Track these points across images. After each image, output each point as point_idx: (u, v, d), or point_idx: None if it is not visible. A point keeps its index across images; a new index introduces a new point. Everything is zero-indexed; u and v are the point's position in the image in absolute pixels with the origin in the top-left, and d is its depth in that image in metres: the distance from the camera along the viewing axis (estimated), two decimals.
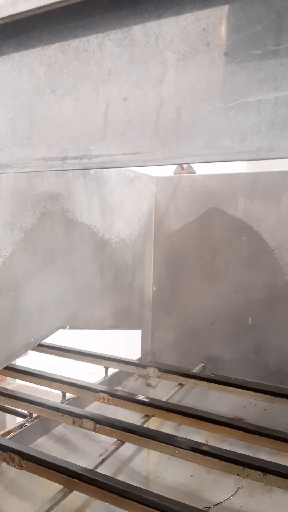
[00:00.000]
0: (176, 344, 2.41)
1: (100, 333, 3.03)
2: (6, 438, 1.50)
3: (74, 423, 1.50)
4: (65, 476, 1.18)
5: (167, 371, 1.97)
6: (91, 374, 2.52)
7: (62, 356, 2.15)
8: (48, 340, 2.23)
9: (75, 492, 1.25)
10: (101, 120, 0.52)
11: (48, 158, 0.58)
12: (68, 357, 2.14)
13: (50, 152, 0.58)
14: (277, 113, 0.41)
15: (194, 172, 2.31)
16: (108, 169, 1.94)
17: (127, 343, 2.90)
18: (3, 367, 1.45)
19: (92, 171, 1.81)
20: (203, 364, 2.28)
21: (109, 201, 1.97)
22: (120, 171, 2.03)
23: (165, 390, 2.05)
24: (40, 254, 1.57)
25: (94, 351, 2.15)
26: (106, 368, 2.12)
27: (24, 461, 1.25)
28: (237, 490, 1.46)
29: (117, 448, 1.43)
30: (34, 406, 1.59)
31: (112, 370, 2.16)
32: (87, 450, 1.62)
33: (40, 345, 2.15)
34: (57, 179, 1.62)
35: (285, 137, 0.42)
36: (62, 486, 1.21)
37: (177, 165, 2.35)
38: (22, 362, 2.18)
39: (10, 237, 1.43)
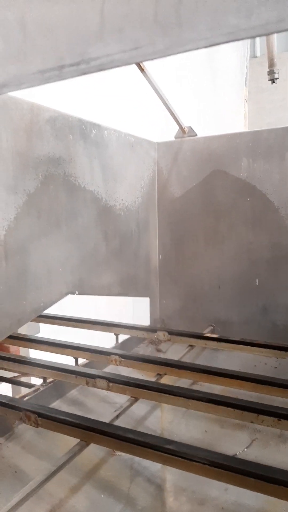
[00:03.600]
0: (184, 310, 2.41)
1: (108, 305, 3.05)
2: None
3: (87, 383, 1.51)
4: (81, 429, 1.19)
5: (176, 333, 1.98)
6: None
7: (72, 326, 2.16)
8: (58, 312, 2.25)
9: (91, 450, 1.27)
10: (98, 18, 0.50)
11: (44, 70, 0.56)
12: (78, 327, 2.14)
13: (46, 64, 0.55)
14: None
15: (196, 135, 2.28)
16: (108, 133, 1.91)
17: (135, 314, 2.91)
18: (14, 330, 1.45)
19: (92, 134, 1.79)
20: (211, 328, 2.28)
21: (111, 166, 1.94)
22: (120, 135, 2.01)
23: (175, 354, 2.06)
24: (44, 218, 1.56)
25: (104, 319, 2.16)
26: (117, 336, 2.13)
27: (40, 418, 1.26)
28: (251, 443, 1.46)
29: (131, 405, 1.43)
30: (47, 370, 1.60)
31: (121, 338, 2.17)
32: (101, 411, 1.63)
33: (50, 317, 2.17)
34: (58, 141, 1.60)
35: None
36: (78, 440, 1.22)
37: (178, 129, 2.31)
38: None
39: (14, 200, 1.42)
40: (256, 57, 7.58)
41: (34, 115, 1.47)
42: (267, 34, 0.42)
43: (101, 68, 0.52)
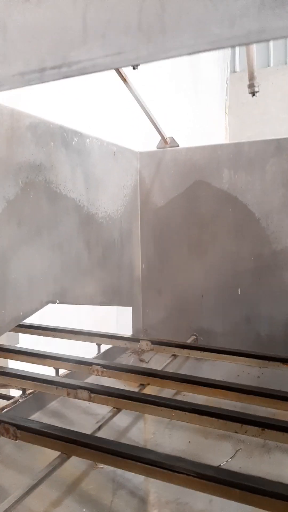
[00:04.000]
0: (167, 319, 2.40)
1: (90, 315, 3.01)
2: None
3: (68, 394, 1.48)
4: (62, 442, 1.16)
5: (160, 343, 1.96)
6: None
7: (53, 336, 2.12)
8: (39, 322, 2.21)
9: (72, 463, 1.23)
10: (80, 23, 0.50)
11: (25, 73, 0.55)
12: (59, 337, 2.11)
13: (27, 66, 0.55)
14: None
15: (178, 146, 2.30)
16: (90, 141, 1.91)
17: (118, 324, 2.89)
18: None
19: (73, 142, 1.78)
20: (194, 337, 2.28)
21: (93, 174, 1.94)
22: (102, 144, 2.01)
23: (158, 364, 2.04)
24: (25, 226, 1.54)
25: (85, 329, 2.13)
26: (99, 346, 2.10)
27: (19, 431, 1.22)
28: (235, 453, 1.45)
29: (113, 416, 1.41)
30: (26, 381, 1.56)
31: (104, 349, 2.14)
32: (83, 423, 1.60)
33: (30, 327, 2.12)
34: (38, 148, 1.58)
35: (276, 15, 0.40)
36: (59, 453, 1.19)
37: (160, 140, 2.33)
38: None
39: None
40: (236, 72, 7.74)
41: (14, 121, 1.45)
42: (250, 43, 0.43)
43: (83, 72, 0.51)
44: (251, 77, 1.65)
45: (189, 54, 0.46)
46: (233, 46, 0.43)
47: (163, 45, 0.47)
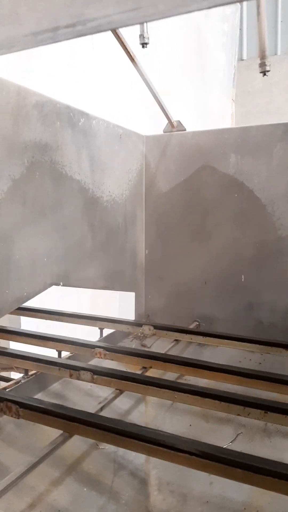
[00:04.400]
0: (170, 305, 2.39)
1: (93, 300, 3.01)
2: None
3: (71, 375, 1.48)
4: (64, 420, 1.16)
5: (162, 327, 1.96)
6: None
7: (55, 319, 2.12)
8: (41, 306, 2.21)
9: (73, 443, 1.23)
10: None
11: (37, 32, 0.53)
12: (61, 321, 2.11)
13: (40, 25, 0.53)
14: None
15: (184, 130, 2.27)
16: (97, 122, 1.88)
17: (120, 309, 2.88)
18: None
19: (80, 122, 1.75)
20: (197, 324, 2.27)
21: (99, 157, 1.91)
22: (109, 126, 1.98)
23: (160, 349, 2.04)
24: (29, 206, 1.52)
25: (88, 313, 2.13)
26: (101, 330, 2.10)
27: (21, 409, 1.22)
28: (236, 437, 1.45)
29: (115, 397, 1.41)
30: (29, 362, 1.56)
31: (106, 333, 2.14)
32: (85, 405, 1.60)
33: (32, 310, 2.12)
34: (44, 127, 1.56)
35: None
36: (61, 432, 1.19)
37: (167, 123, 2.30)
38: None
39: None
40: (243, 60, 7.64)
41: (21, 98, 1.43)
42: None
43: (98, 30, 0.50)
44: (262, 56, 1.61)
45: (209, 7, 0.44)
46: None
47: None
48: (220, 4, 0.43)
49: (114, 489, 1.18)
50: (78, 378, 1.47)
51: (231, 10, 4.17)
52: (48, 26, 0.53)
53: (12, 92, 1.40)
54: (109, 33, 1.76)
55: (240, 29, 6.13)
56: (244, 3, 6.53)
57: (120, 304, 2.95)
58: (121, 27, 0.49)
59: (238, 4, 4.46)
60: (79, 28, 0.51)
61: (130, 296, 2.46)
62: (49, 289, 1.70)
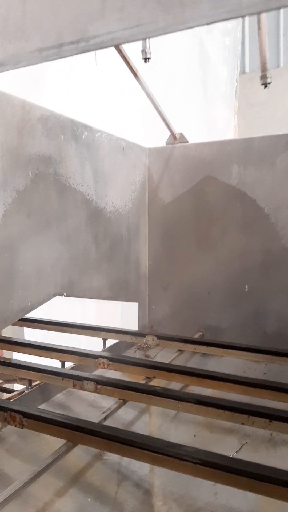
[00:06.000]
0: (174, 316, 2.39)
1: (96, 312, 3.02)
2: None
3: (74, 386, 1.48)
4: (68, 430, 1.16)
5: (166, 338, 1.96)
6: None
7: (58, 330, 2.12)
8: (45, 317, 2.22)
9: (77, 454, 1.23)
10: None
11: (43, 49, 0.55)
12: (64, 331, 2.11)
13: (45, 42, 0.55)
14: None
15: (187, 142, 2.30)
16: (100, 135, 1.91)
17: (123, 320, 2.88)
18: (0, 330, 1.42)
19: (83, 135, 1.79)
20: (201, 333, 2.27)
21: (102, 169, 1.94)
22: (112, 139, 2.01)
23: (164, 360, 2.04)
24: (34, 217, 1.54)
25: (91, 324, 2.13)
26: (104, 341, 2.10)
27: (25, 419, 1.23)
28: (241, 447, 1.44)
29: (119, 407, 1.41)
30: (32, 372, 1.57)
31: (109, 344, 2.14)
32: (88, 415, 1.60)
33: (35, 321, 2.13)
34: (49, 141, 1.59)
35: None
36: (64, 442, 1.19)
37: (169, 135, 2.33)
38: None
39: (3, 196, 1.40)
40: (245, 73, 7.73)
41: (25, 113, 1.46)
42: (268, 11, 0.43)
43: (101, 46, 0.52)
44: (264, 68, 1.64)
45: (207, 24, 0.46)
46: (252, 14, 0.43)
47: (181, 16, 0.47)
48: (218, 21, 0.45)
49: (118, 500, 1.17)
50: (82, 388, 1.47)
51: (233, 24, 4.24)
52: (53, 42, 0.55)
53: (17, 106, 1.43)
54: (112, 49, 1.81)
55: (242, 43, 6.23)
56: (246, 17, 6.63)
57: (122, 316, 2.95)
58: (124, 43, 0.51)
59: (240, 18, 4.53)
60: (82, 44, 0.53)
61: (132, 307, 2.46)
62: (52, 300, 1.71)
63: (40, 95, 1.83)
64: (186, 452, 1.01)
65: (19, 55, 0.58)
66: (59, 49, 0.55)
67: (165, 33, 0.48)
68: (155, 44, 1.87)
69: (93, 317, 2.96)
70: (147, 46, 1.76)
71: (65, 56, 0.55)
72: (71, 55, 0.54)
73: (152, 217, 2.40)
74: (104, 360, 1.66)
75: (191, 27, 0.46)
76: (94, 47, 0.52)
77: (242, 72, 7.48)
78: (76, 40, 0.53)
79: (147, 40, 1.73)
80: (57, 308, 2.50)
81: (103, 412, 1.38)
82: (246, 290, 2.18)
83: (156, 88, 2.21)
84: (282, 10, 7.01)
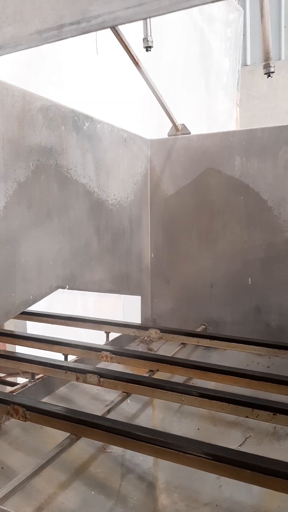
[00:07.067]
0: (176, 309, 2.38)
1: (98, 306, 3.01)
2: None
3: (77, 379, 1.47)
4: (71, 423, 1.15)
5: (169, 331, 1.95)
6: None
7: (61, 324, 2.11)
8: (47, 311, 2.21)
9: (81, 446, 1.22)
10: None
11: (42, 31, 0.53)
12: (67, 325, 2.10)
13: (44, 23, 0.53)
14: None
15: (189, 133, 2.27)
16: (101, 126, 1.89)
17: (125, 314, 2.87)
18: (1, 323, 1.41)
19: (85, 126, 1.76)
20: (204, 327, 2.26)
21: (104, 160, 1.92)
22: (113, 130, 1.99)
23: (167, 353, 2.03)
24: (35, 209, 1.53)
25: (94, 317, 2.12)
26: (107, 334, 2.09)
27: (28, 412, 1.22)
28: (245, 440, 1.44)
29: (122, 400, 1.40)
30: (35, 365, 1.56)
31: (112, 337, 2.13)
32: (92, 408, 1.59)
33: (38, 314, 2.12)
34: (50, 131, 1.57)
35: None
36: (68, 435, 1.18)
37: (171, 127, 2.30)
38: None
39: (4, 188, 1.38)
40: (247, 65, 7.66)
41: (25, 103, 1.44)
42: None
43: (102, 26, 0.50)
44: (267, 57, 1.61)
45: (213, 1, 0.44)
46: None
47: None
48: None
49: (122, 493, 1.16)
50: (85, 381, 1.46)
51: (234, 15, 4.19)
52: (53, 24, 0.53)
53: (17, 97, 1.41)
54: (115, 40, 1.78)
55: (243, 35, 6.16)
56: (247, 10, 6.56)
57: (125, 310, 2.94)
58: (126, 23, 0.49)
59: (241, 9, 4.47)
60: (83, 25, 0.51)
61: (135, 302, 2.45)
62: (53, 294, 1.70)
63: (39, 85, 1.80)
64: (190, 445, 1.00)
65: (18, 37, 0.56)
66: (59, 31, 0.53)
67: (169, 12, 0.46)
68: (157, 37, 1.84)
69: (95, 310, 2.95)
70: (149, 34, 1.73)
71: (66, 38, 0.53)
72: (72, 36, 0.52)
73: (154, 209, 2.38)
74: (107, 353, 1.65)
75: (195, 5, 0.45)
76: (95, 28, 0.51)
77: (244, 64, 7.42)
78: (77, 21, 0.51)
79: (149, 28, 1.70)
80: (59, 302, 2.49)
81: (107, 405, 1.37)
82: (249, 283, 2.17)
83: (158, 80, 2.18)
84: (283, 3, 6.92)
